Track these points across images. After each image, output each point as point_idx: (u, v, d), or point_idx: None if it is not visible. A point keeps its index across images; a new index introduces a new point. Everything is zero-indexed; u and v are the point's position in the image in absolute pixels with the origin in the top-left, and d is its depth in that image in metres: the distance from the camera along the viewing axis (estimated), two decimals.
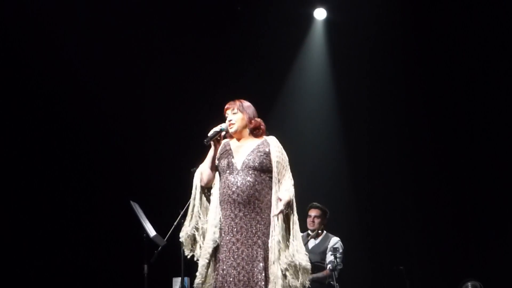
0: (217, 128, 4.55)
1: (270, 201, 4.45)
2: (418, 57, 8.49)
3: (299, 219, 4.54)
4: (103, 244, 7.82)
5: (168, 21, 8.20)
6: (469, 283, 7.58)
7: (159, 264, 5.92)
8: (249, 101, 4.71)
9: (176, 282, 6.80)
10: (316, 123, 8.89)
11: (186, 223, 4.55)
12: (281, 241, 4.33)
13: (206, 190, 4.60)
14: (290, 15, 8.62)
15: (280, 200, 4.35)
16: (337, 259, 6.74)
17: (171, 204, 6.19)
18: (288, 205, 4.38)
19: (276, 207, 4.37)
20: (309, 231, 7.20)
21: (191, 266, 6.09)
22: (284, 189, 4.43)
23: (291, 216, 4.43)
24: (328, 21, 8.79)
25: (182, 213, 5.76)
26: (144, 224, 5.83)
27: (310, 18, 8.81)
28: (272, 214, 4.37)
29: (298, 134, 8.66)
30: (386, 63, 8.51)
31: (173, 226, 5.84)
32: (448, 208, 8.31)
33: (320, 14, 8.76)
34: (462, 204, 8.27)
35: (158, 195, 7.76)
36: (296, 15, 8.71)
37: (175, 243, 5.85)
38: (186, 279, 6.46)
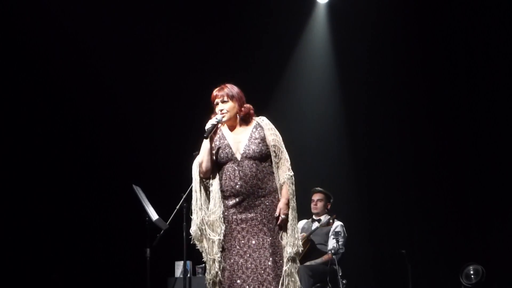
0: (213, 121, 4.48)
1: (272, 186, 4.46)
2: (420, 39, 8.44)
3: (301, 203, 4.53)
4: (106, 227, 7.83)
5: (171, 6, 8.16)
6: (470, 267, 7.60)
7: (161, 248, 5.93)
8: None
9: (178, 265, 6.83)
10: (318, 107, 8.87)
11: (194, 216, 4.51)
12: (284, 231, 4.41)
13: (205, 180, 4.55)
14: None
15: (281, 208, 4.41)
16: (339, 243, 6.77)
17: (174, 188, 6.20)
18: (288, 206, 4.42)
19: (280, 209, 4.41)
20: (313, 216, 7.24)
21: (193, 250, 6.12)
22: (282, 180, 4.45)
23: (291, 202, 4.44)
24: (330, 4, 8.75)
25: (184, 197, 5.77)
26: (146, 207, 5.83)
27: (312, 1, 8.77)
28: (278, 222, 4.42)
29: (300, 117, 8.64)
30: (389, 46, 8.47)
31: (176, 209, 5.85)
32: (450, 191, 8.29)
33: None
34: (464, 188, 8.25)
35: (160, 179, 7.77)
36: None
37: (177, 227, 5.88)
38: (189, 262, 6.48)
